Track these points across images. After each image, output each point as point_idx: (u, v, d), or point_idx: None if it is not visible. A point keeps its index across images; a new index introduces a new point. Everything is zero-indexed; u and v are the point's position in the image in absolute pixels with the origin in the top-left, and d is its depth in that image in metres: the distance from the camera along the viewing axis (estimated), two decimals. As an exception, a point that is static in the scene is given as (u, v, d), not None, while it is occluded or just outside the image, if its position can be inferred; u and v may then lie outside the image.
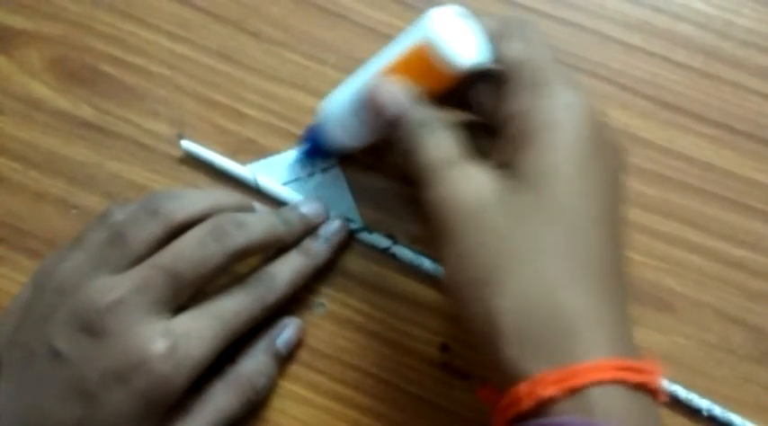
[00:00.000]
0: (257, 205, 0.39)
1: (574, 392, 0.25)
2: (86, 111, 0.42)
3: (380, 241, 0.39)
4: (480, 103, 0.33)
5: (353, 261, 0.40)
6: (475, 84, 0.33)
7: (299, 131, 0.41)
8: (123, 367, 0.30)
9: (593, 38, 0.44)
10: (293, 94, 0.42)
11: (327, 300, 0.39)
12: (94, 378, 0.30)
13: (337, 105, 0.36)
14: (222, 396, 0.34)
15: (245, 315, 0.34)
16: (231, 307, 0.34)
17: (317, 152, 0.39)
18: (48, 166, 0.41)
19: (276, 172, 0.41)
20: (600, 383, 0.26)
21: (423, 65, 0.31)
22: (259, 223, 0.35)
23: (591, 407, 0.25)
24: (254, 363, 0.36)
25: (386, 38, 0.42)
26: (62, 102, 0.42)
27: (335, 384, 0.38)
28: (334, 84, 0.40)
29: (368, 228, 0.40)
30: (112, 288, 0.32)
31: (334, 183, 0.40)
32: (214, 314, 0.33)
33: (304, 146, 0.39)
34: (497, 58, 0.32)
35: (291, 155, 0.41)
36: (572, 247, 0.28)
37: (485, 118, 0.33)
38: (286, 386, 0.38)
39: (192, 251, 0.33)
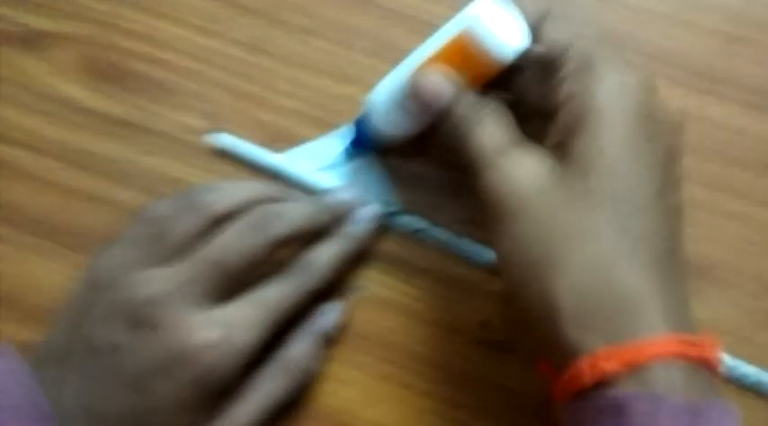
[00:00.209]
0: (294, 194, 0.40)
1: (635, 367, 0.26)
2: (117, 109, 0.42)
3: (417, 223, 0.40)
4: (527, 89, 0.34)
5: (392, 244, 0.40)
6: (521, 70, 0.33)
7: (331, 119, 0.42)
8: (171, 357, 0.31)
9: (622, 10, 0.44)
10: (324, 82, 0.43)
11: (369, 282, 0.40)
12: (143, 370, 0.31)
13: (383, 97, 0.36)
14: (271, 381, 0.35)
15: (287, 302, 0.35)
16: (274, 295, 0.34)
17: (364, 145, 0.40)
18: (82, 164, 0.41)
19: (310, 159, 0.41)
20: (661, 358, 0.26)
21: (467, 55, 0.32)
22: (298, 211, 0.36)
23: (652, 382, 0.26)
24: (301, 347, 0.36)
25: (414, 21, 0.43)
26: (93, 100, 0.42)
27: (382, 364, 0.39)
28: (365, 69, 0.41)
29: (404, 211, 0.40)
30: (157, 280, 0.32)
31: (369, 167, 0.41)
32: (258, 302, 0.34)
33: (350, 140, 0.40)
34: (542, 43, 0.32)
35: (325, 141, 0.41)
36: (626, 228, 0.28)
37: (533, 103, 0.33)
38: (335, 368, 0.39)
39: (234, 242, 0.33)
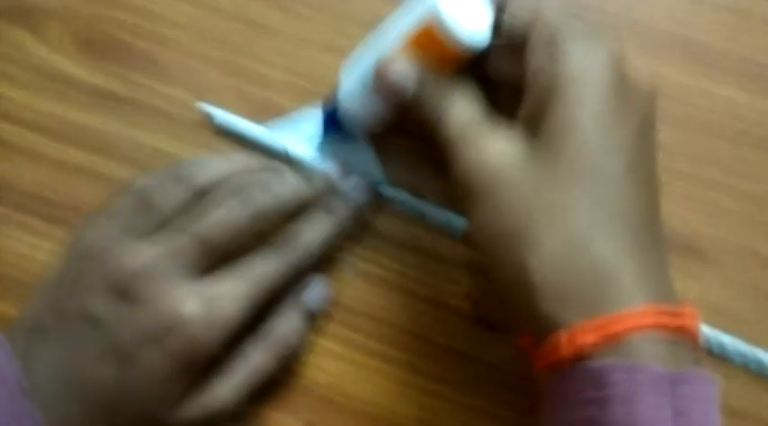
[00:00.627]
0: (282, 167, 0.39)
1: (613, 338, 0.26)
2: (105, 81, 0.42)
3: (404, 197, 0.40)
4: (496, 66, 0.33)
5: (381, 220, 0.40)
6: (491, 53, 0.33)
7: (318, 89, 0.41)
8: (157, 328, 0.31)
9: None
10: (314, 53, 0.42)
11: (358, 259, 0.40)
12: (129, 340, 0.31)
13: (352, 85, 0.36)
14: (256, 355, 0.35)
15: (274, 275, 0.35)
16: (261, 268, 0.34)
17: (337, 128, 0.39)
18: (70, 137, 0.41)
19: (296, 129, 0.41)
20: (639, 328, 0.26)
21: (433, 43, 0.32)
22: (284, 184, 0.36)
23: (632, 353, 0.26)
24: (287, 321, 0.37)
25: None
26: (81, 72, 0.42)
27: (369, 340, 0.39)
28: (357, 40, 0.40)
29: (393, 187, 0.40)
30: (142, 252, 0.32)
31: (357, 142, 0.40)
32: (245, 275, 0.34)
33: (322, 124, 0.39)
34: (507, 18, 0.31)
35: (310, 111, 0.41)
36: (601, 201, 0.28)
37: (503, 79, 0.33)
38: (321, 342, 0.39)
39: (218, 214, 0.33)
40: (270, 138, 0.40)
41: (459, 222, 0.39)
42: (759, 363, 0.37)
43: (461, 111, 0.32)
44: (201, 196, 0.34)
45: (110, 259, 0.33)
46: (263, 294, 0.34)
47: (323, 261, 0.38)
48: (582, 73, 0.29)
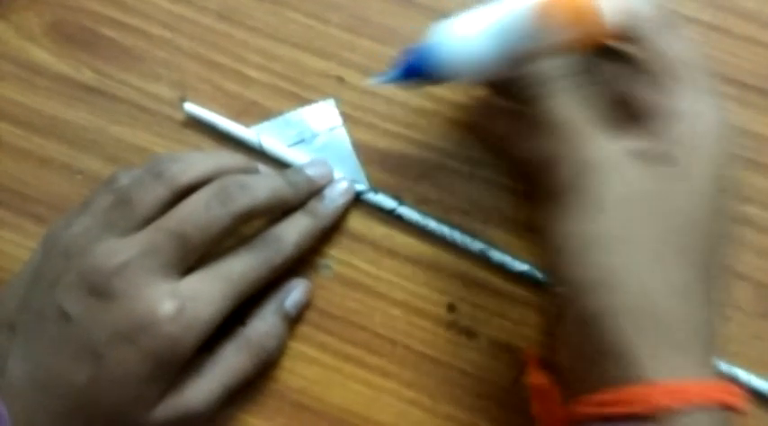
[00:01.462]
0: (262, 167, 0.39)
1: (686, 406, 0.27)
2: (87, 75, 0.41)
3: (386, 202, 0.39)
4: (617, 80, 0.34)
5: (359, 223, 0.40)
6: (615, 59, 0.34)
7: (303, 93, 0.41)
8: (131, 328, 0.31)
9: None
10: (296, 55, 0.42)
11: (334, 262, 0.39)
12: (103, 339, 0.31)
13: (471, 31, 0.33)
14: (233, 357, 0.35)
15: (252, 276, 0.34)
16: (238, 269, 0.34)
17: (417, 75, 0.36)
18: (50, 131, 0.41)
19: (280, 133, 0.40)
20: (705, 402, 0.28)
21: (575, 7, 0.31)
22: (264, 184, 0.35)
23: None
24: (264, 325, 0.36)
25: (389, -5, 0.42)
26: (62, 66, 0.41)
27: (344, 344, 0.38)
28: (340, 44, 0.40)
29: (374, 189, 0.40)
30: (119, 250, 0.32)
31: (339, 144, 0.40)
32: (222, 275, 0.33)
33: (401, 68, 0.35)
34: (648, 46, 0.32)
35: (296, 116, 0.40)
36: (691, 250, 0.30)
37: (616, 94, 0.33)
38: (295, 346, 0.38)
39: (198, 213, 0.33)
40: (252, 138, 0.40)
41: (442, 230, 0.39)
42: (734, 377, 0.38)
43: (579, 100, 0.32)
44: (181, 195, 0.34)
45: (87, 257, 0.32)
46: (240, 294, 0.34)
47: (299, 263, 0.38)
48: (703, 122, 0.31)
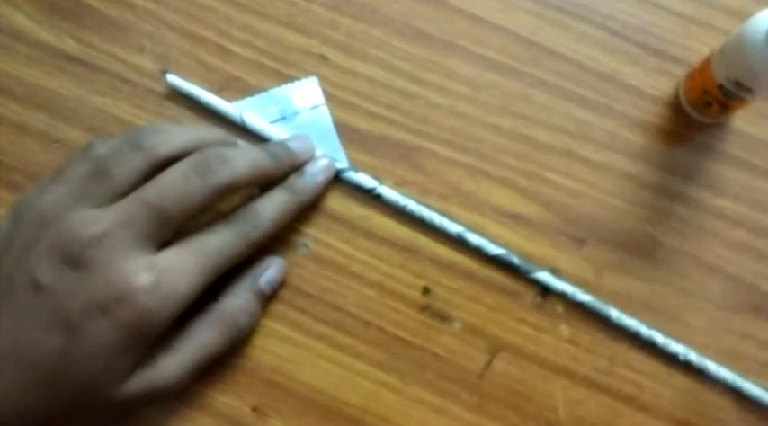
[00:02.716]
0: (241, 142, 0.39)
1: None
2: (70, 44, 0.41)
3: (366, 181, 0.39)
4: None
5: (338, 202, 0.40)
6: None
7: (286, 70, 0.41)
8: (106, 299, 0.30)
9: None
10: (280, 32, 0.42)
11: (310, 240, 0.39)
12: (77, 310, 0.30)
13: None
14: (206, 332, 0.35)
15: (229, 251, 0.34)
16: (216, 243, 0.34)
17: None
18: (30, 99, 0.40)
19: (262, 110, 0.40)
20: None
21: None
22: (244, 158, 0.35)
23: None
24: (238, 301, 0.36)
25: (375, -25, 0.42)
26: (45, 34, 0.41)
27: (317, 323, 0.38)
28: (324, 23, 0.40)
29: (354, 168, 0.40)
30: (96, 221, 0.31)
31: (321, 123, 0.40)
32: (198, 249, 0.33)
33: None
34: None
35: (279, 92, 0.40)
36: None
37: None
38: (268, 324, 0.38)
39: (176, 186, 0.32)
40: (234, 113, 0.40)
41: (415, 207, 0.39)
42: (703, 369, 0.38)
43: None
44: (160, 167, 0.33)
45: (61, 226, 0.31)
46: (217, 269, 0.33)
47: (275, 240, 0.38)
48: None
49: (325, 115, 0.40)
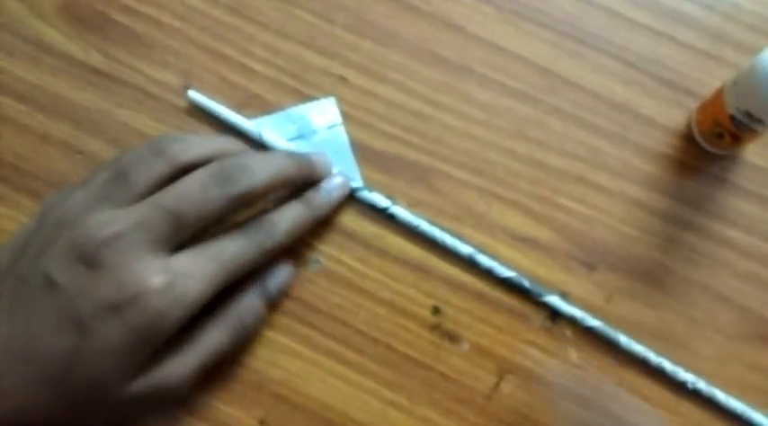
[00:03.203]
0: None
1: None
2: (96, 58, 0.42)
3: (380, 201, 0.40)
4: None
5: (351, 220, 0.40)
6: None
7: (306, 90, 0.42)
8: (118, 300, 0.31)
9: (599, 13, 0.44)
10: (301, 52, 0.42)
11: (323, 257, 0.40)
12: (88, 310, 0.30)
13: None
14: (212, 334, 0.35)
15: (243, 258, 0.34)
16: (230, 250, 0.34)
17: None
18: (54, 110, 0.41)
19: (280, 127, 0.41)
20: None
21: None
22: (264, 166, 0.35)
23: None
24: (245, 303, 0.36)
25: (396, 2, 0.43)
26: (71, 46, 0.42)
27: (327, 339, 0.39)
28: (344, 45, 0.41)
29: (368, 187, 0.40)
30: (112, 221, 0.32)
31: (338, 142, 0.41)
32: (213, 255, 0.33)
33: None
34: None
35: (298, 111, 0.41)
36: None
37: None
38: (278, 338, 0.38)
39: (194, 192, 0.33)
40: (253, 130, 0.40)
41: (428, 227, 0.39)
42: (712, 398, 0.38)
43: None
44: (180, 174, 0.34)
45: (78, 226, 0.32)
46: (229, 276, 0.34)
47: (288, 256, 0.38)
48: None
49: (341, 135, 0.41)
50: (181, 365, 0.33)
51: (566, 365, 0.39)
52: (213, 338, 0.35)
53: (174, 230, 0.33)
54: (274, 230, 0.36)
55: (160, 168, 0.34)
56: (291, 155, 0.38)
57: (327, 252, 0.40)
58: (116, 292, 0.31)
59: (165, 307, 0.31)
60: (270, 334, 0.38)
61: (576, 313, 0.39)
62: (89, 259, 0.31)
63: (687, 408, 0.39)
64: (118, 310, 0.31)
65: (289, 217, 0.37)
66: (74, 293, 0.31)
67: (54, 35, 0.42)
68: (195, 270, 0.32)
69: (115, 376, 0.31)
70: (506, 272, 0.39)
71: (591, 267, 0.40)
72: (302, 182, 0.38)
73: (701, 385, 0.38)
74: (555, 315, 0.39)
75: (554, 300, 0.39)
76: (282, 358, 0.38)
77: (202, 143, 0.35)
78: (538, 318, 0.39)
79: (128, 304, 0.31)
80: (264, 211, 0.37)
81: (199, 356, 0.34)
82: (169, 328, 0.32)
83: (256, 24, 0.43)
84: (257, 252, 0.35)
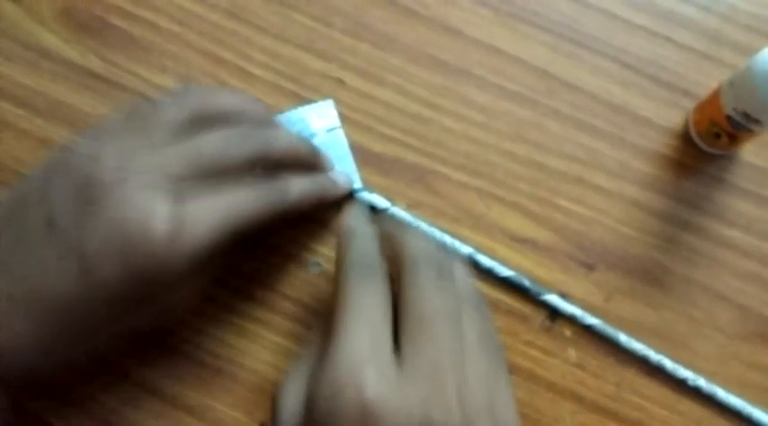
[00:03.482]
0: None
1: None
2: (94, 62, 0.42)
3: (379, 202, 0.40)
4: None
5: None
6: None
7: (304, 93, 0.42)
8: (123, 239, 0.29)
9: (597, 15, 0.44)
10: (299, 55, 0.43)
11: (323, 260, 0.40)
12: (92, 248, 0.29)
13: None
14: (248, 190, 0.33)
15: (253, 212, 0.33)
16: (241, 202, 0.33)
17: None
18: (53, 114, 0.41)
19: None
20: None
21: None
22: (284, 138, 0.35)
23: None
24: (294, 179, 0.36)
25: (395, 6, 0.43)
26: (70, 51, 0.42)
27: (327, 341, 0.39)
28: (342, 49, 0.41)
29: (368, 189, 0.40)
30: (124, 161, 0.31)
31: (337, 144, 0.41)
32: (224, 205, 0.32)
33: None
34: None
35: (296, 114, 0.41)
36: None
37: None
38: (278, 340, 0.38)
39: (214, 144, 0.32)
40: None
41: (431, 232, 0.40)
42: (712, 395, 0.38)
43: None
44: (201, 122, 0.33)
45: (90, 163, 0.30)
46: (237, 228, 0.32)
47: (288, 259, 0.38)
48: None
49: (340, 137, 0.41)
50: (206, 211, 0.31)
51: (566, 365, 0.39)
52: (248, 194, 0.33)
53: (187, 177, 0.31)
54: (287, 191, 0.35)
55: (182, 113, 0.33)
56: (305, 138, 0.38)
57: (327, 254, 0.40)
58: (121, 232, 0.29)
59: (167, 253, 0.30)
60: (270, 336, 0.38)
61: (576, 311, 0.39)
62: (95, 196, 0.30)
63: (687, 406, 0.39)
64: (122, 251, 0.29)
65: (299, 187, 0.36)
66: (78, 231, 0.30)
67: (53, 40, 0.42)
68: (204, 216, 0.31)
69: (116, 312, 0.31)
70: (506, 272, 0.39)
71: (590, 267, 0.40)
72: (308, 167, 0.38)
73: (701, 382, 0.38)
74: (554, 315, 0.39)
75: (553, 299, 0.39)
76: (283, 360, 0.38)
77: (228, 96, 0.35)
78: (537, 318, 0.39)
79: (132, 245, 0.29)
80: (275, 177, 0.35)
81: (226, 206, 0.32)
82: (173, 272, 0.30)
83: (254, 28, 0.43)
84: (268, 209, 0.34)
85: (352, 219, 0.35)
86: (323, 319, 0.34)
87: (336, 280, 0.32)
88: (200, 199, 0.31)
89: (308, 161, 0.38)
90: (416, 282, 0.31)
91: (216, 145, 0.32)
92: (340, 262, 0.32)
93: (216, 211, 0.31)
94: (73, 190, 0.30)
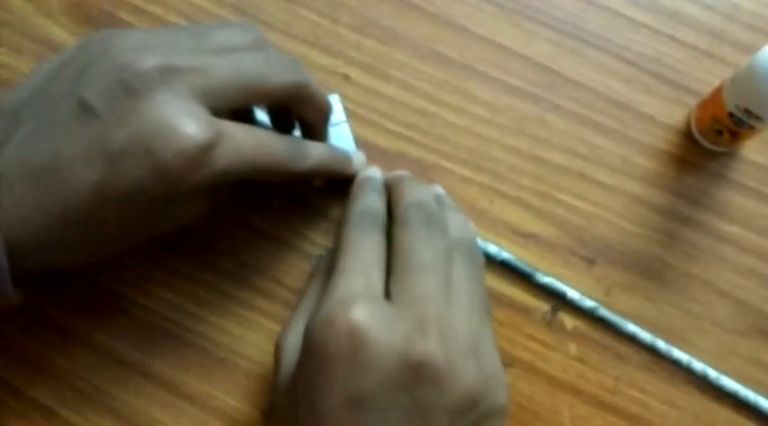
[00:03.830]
0: None
1: None
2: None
3: (382, 195, 0.40)
4: None
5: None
6: None
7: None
8: (154, 136, 0.28)
9: (600, 12, 0.45)
10: (305, 50, 0.43)
11: (326, 252, 0.40)
12: (120, 142, 0.28)
13: None
14: (274, 135, 0.34)
15: (277, 158, 0.33)
16: (271, 144, 0.33)
17: None
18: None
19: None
20: None
21: None
22: (305, 75, 0.35)
23: None
24: (317, 145, 0.36)
25: (401, 2, 0.43)
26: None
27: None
28: (348, 44, 0.41)
29: (371, 183, 0.41)
30: (170, 55, 0.30)
31: (342, 139, 0.41)
32: (255, 139, 0.32)
33: None
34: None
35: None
36: None
37: None
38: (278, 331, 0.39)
39: (257, 63, 0.32)
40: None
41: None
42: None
43: None
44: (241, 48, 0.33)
45: (128, 52, 0.29)
46: (261, 164, 0.32)
47: (293, 252, 0.39)
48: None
49: (346, 132, 0.41)
50: (240, 134, 0.31)
51: (566, 358, 0.39)
52: (275, 138, 0.33)
53: (229, 92, 0.31)
54: (306, 151, 0.35)
55: (231, 37, 0.33)
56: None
57: (329, 245, 0.40)
58: (153, 128, 0.28)
59: (196, 161, 0.29)
60: (272, 326, 0.39)
61: (575, 295, 0.39)
62: (132, 86, 0.29)
63: (686, 401, 0.39)
64: (150, 148, 0.28)
65: (320, 150, 0.36)
66: (108, 121, 0.28)
67: (61, 34, 0.43)
68: (237, 143, 0.30)
69: (124, 208, 0.30)
70: (503, 254, 0.40)
71: (591, 262, 0.41)
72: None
73: (710, 371, 0.39)
74: (555, 308, 0.40)
75: (551, 282, 0.40)
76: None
77: (240, 30, 0.34)
78: (539, 312, 0.40)
79: (162, 143, 0.28)
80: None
81: (259, 141, 0.32)
82: (190, 183, 0.29)
83: (261, 23, 0.43)
84: (285, 160, 0.33)
85: (369, 172, 0.37)
86: (322, 269, 0.35)
87: (340, 228, 0.33)
88: (236, 125, 0.31)
89: (328, 120, 0.38)
90: (406, 227, 0.32)
91: (258, 64, 0.32)
92: (346, 212, 0.34)
93: (249, 139, 0.31)
94: (114, 79, 0.29)
